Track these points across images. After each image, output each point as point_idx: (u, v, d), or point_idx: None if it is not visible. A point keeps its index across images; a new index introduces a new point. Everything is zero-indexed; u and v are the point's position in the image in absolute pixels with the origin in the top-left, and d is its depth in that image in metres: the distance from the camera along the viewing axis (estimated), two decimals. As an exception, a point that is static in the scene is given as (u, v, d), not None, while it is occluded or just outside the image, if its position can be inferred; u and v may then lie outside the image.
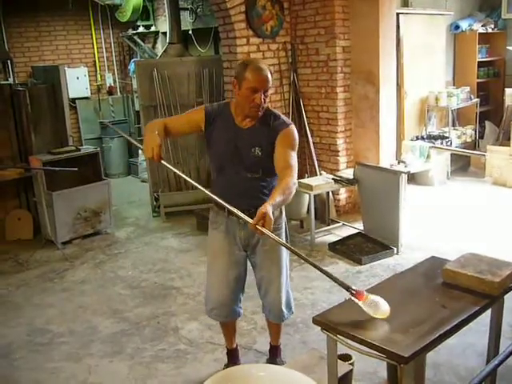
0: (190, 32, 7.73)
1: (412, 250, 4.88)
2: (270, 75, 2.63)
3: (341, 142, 5.90)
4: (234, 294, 2.95)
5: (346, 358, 2.83)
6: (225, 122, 2.75)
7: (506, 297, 2.38)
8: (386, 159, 5.73)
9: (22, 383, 3.29)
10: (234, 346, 3.24)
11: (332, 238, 5.30)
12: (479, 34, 7.69)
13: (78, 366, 3.41)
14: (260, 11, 5.61)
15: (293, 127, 2.74)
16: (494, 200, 6.25)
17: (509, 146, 6.71)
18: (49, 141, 5.94)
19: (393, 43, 5.77)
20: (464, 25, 7.69)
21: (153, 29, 8.81)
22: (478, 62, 7.79)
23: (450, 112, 7.16)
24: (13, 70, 8.14)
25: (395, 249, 4.87)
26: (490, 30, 7.88)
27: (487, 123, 7.76)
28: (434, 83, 7.09)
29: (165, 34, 8.09)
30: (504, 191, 6.55)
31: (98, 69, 9.08)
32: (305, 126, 5.97)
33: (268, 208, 2.33)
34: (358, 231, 5.33)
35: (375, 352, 1.98)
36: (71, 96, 8.10)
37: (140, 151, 8.22)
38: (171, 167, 2.72)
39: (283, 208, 2.86)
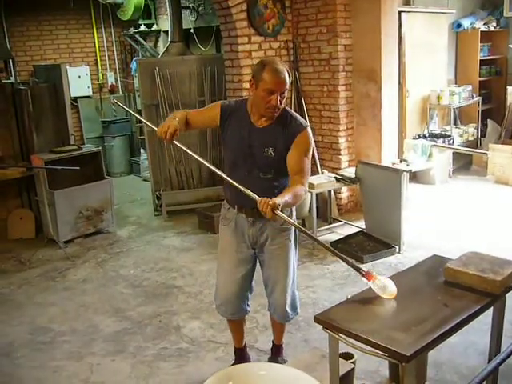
0: (192, 30, 7.73)
1: (414, 248, 4.88)
2: (287, 76, 2.62)
3: (343, 141, 5.90)
4: (241, 291, 2.95)
5: (347, 356, 2.84)
6: (240, 119, 2.75)
7: (507, 295, 2.37)
8: (388, 158, 5.73)
9: (24, 382, 3.29)
10: (242, 345, 3.22)
11: (334, 237, 5.30)
12: (481, 32, 7.67)
13: (79, 365, 3.42)
14: (261, 10, 5.61)
15: (309, 130, 2.75)
16: (495, 198, 6.24)
17: (511, 144, 6.70)
18: (50, 140, 5.95)
19: (395, 41, 5.76)
20: (466, 23, 7.68)
21: (154, 27, 8.80)
22: (480, 60, 7.77)
23: (452, 110, 7.15)
24: (15, 68, 8.15)
25: (397, 247, 4.87)
26: (492, 29, 7.86)
27: (489, 121, 7.74)
28: (436, 81, 7.07)
29: (166, 32, 8.07)
30: (506, 190, 6.54)
31: (99, 68, 9.08)
32: (306, 124, 5.96)
33: (276, 200, 2.41)
34: (359, 230, 5.33)
35: (377, 350, 1.98)
36: (73, 95, 8.12)
37: (144, 148, 8.22)
38: (184, 147, 2.72)
39: (293, 209, 2.87)
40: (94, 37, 8.98)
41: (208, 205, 6.10)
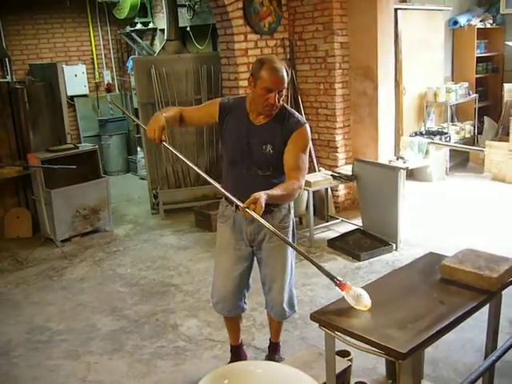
0: (188, 29, 7.71)
1: (411, 245, 4.89)
2: (285, 75, 2.62)
3: (339, 139, 5.90)
4: (238, 288, 2.95)
5: (344, 354, 2.84)
6: (239, 116, 2.76)
7: (503, 292, 2.37)
8: (385, 155, 5.73)
9: (21, 381, 3.29)
10: (238, 343, 3.22)
11: (331, 235, 5.31)
12: (478, 29, 7.66)
13: (77, 364, 3.42)
14: (258, 7, 5.60)
15: (307, 126, 2.75)
16: (492, 195, 6.24)
17: (507, 141, 6.70)
18: (47, 138, 5.94)
19: (391, 39, 5.76)
20: (462, 20, 7.67)
21: (151, 26, 8.78)
22: (477, 57, 7.76)
23: (449, 108, 7.15)
24: (11, 67, 8.13)
25: (394, 245, 4.87)
26: (488, 26, 7.85)
27: (486, 119, 7.75)
28: (432, 79, 7.07)
29: (163, 30, 8.07)
30: (503, 187, 6.55)
31: (96, 66, 9.06)
32: (303, 122, 5.96)
33: (262, 195, 2.35)
34: (356, 227, 5.33)
35: (373, 348, 1.98)
36: (69, 93, 8.11)
37: (141, 146, 8.21)
38: (173, 150, 2.71)
39: (291, 207, 2.87)
40: (90, 35, 8.96)
41: (205, 203, 6.10)
